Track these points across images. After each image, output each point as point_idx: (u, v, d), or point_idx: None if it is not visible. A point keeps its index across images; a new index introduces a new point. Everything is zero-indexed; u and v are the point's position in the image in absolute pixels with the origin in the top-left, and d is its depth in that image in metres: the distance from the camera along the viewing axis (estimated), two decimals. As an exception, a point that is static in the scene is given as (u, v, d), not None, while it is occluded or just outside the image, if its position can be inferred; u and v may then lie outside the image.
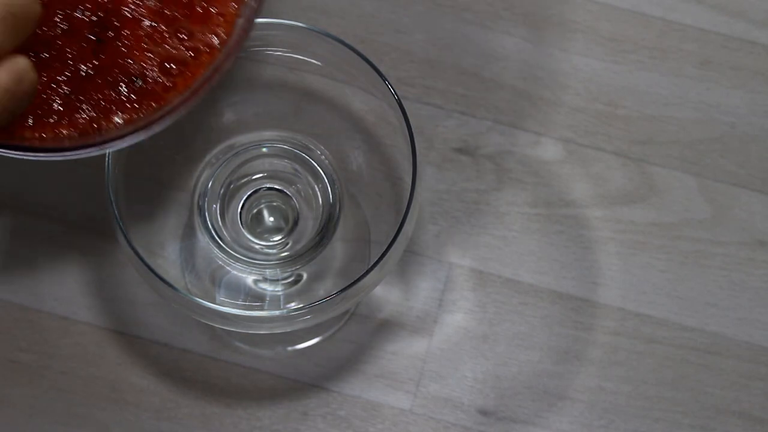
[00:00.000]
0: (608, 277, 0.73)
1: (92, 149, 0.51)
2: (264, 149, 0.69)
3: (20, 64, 0.42)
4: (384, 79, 0.60)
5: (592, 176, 0.75)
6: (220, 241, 0.67)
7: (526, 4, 0.78)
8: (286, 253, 0.68)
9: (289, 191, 0.70)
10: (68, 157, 0.51)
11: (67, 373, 0.70)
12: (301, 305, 0.58)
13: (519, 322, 0.72)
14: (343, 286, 0.58)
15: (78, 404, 0.70)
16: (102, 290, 0.72)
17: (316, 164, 0.69)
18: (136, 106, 0.53)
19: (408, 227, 0.59)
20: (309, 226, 0.69)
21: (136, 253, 0.57)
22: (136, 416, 0.70)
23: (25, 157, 0.51)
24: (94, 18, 0.53)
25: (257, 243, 0.69)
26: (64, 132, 0.52)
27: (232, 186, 0.69)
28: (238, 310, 0.57)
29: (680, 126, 0.77)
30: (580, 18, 0.78)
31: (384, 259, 0.57)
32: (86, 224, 0.73)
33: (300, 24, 0.61)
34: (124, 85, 0.53)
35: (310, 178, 0.69)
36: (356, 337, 0.72)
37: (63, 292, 0.72)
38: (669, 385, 0.71)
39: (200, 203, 0.68)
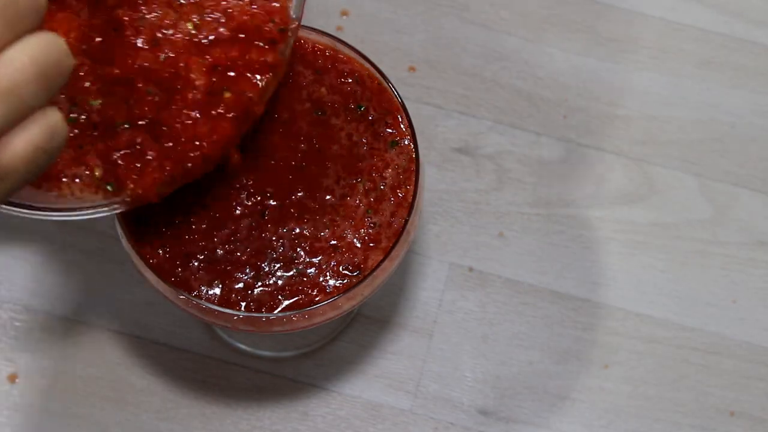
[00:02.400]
0: (608, 277, 0.73)
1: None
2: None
3: (52, 118, 0.41)
4: (387, 80, 0.60)
5: (592, 176, 0.75)
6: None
7: (526, 4, 0.78)
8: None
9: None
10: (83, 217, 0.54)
11: (67, 373, 0.70)
12: (303, 308, 0.58)
13: (519, 322, 0.72)
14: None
15: (78, 404, 0.70)
16: (102, 290, 0.72)
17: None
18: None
19: (410, 229, 0.59)
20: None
21: (137, 253, 0.57)
22: (136, 416, 0.70)
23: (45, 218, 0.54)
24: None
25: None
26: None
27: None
28: (238, 311, 0.57)
29: (680, 126, 0.77)
30: (580, 18, 0.78)
31: (384, 263, 0.57)
32: (86, 224, 0.73)
33: (300, 24, 0.61)
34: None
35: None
36: (356, 337, 0.72)
37: (63, 292, 0.72)
38: (669, 385, 0.71)
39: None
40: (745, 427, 0.71)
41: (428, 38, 0.77)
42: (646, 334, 0.72)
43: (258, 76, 0.54)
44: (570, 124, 0.76)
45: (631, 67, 0.77)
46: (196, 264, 0.57)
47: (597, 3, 0.79)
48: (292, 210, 0.58)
